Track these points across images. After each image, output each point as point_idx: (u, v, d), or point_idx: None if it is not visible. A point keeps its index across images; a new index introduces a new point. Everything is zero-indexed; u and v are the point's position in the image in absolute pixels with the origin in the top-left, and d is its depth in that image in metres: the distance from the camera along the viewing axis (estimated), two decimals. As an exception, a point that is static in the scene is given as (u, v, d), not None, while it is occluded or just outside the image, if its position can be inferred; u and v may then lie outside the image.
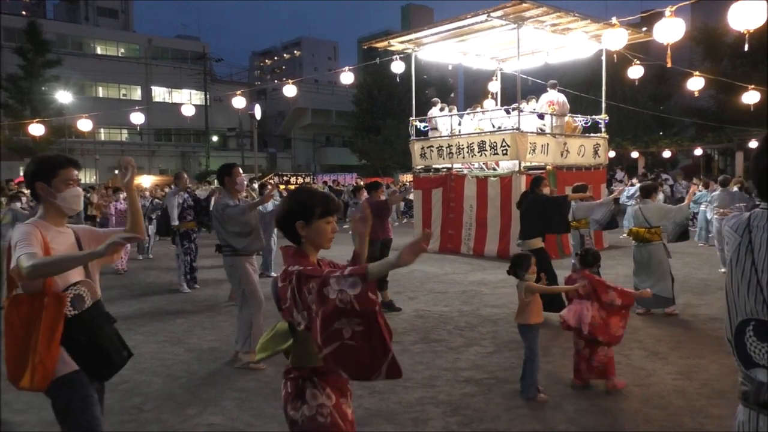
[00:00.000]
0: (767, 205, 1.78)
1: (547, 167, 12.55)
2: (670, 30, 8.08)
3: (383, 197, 8.40)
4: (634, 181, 17.49)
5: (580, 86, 21.51)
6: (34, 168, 2.66)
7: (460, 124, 14.39)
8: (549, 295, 6.81)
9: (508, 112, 13.65)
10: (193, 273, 9.45)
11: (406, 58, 14.39)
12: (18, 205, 9.73)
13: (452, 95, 44.29)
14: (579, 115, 13.97)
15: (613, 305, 4.48)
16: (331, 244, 2.33)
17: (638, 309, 7.01)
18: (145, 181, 32.84)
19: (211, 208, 9.61)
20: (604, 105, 13.81)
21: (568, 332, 6.38)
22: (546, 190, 7.38)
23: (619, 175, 24.43)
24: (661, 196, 15.82)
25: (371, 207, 8.13)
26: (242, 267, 5.53)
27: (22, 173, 34.90)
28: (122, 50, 48.31)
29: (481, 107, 14.89)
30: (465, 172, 13.57)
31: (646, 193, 7.17)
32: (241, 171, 5.75)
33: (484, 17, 11.58)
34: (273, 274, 10.21)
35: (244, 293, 5.53)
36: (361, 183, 19.06)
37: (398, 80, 16.21)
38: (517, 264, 4.59)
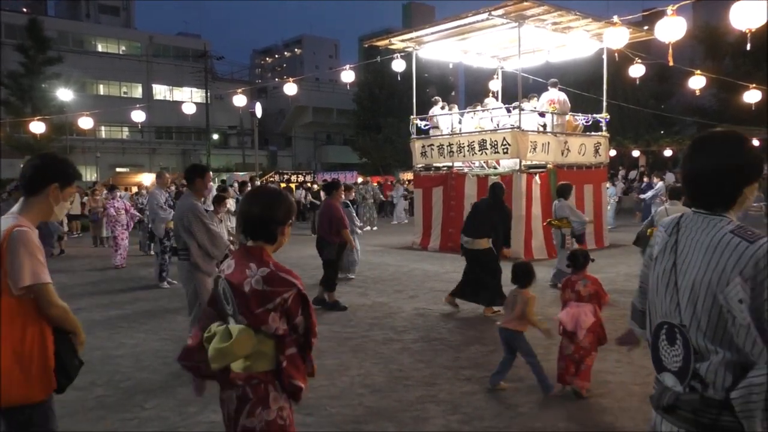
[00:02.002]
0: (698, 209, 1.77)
1: (548, 166, 12.55)
2: (672, 29, 8.09)
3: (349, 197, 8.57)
4: (655, 180, 17.32)
5: (581, 85, 21.48)
6: (61, 168, 2.57)
7: (460, 122, 14.38)
8: (491, 291, 6.95)
9: (508, 110, 13.65)
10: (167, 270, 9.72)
11: (407, 56, 14.38)
12: None
13: (453, 94, 44.27)
14: (580, 114, 13.97)
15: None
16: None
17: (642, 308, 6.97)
18: (146, 179, 32.83)
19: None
20: (605, 104, 13.80)
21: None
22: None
23: (633, 174, 24.20)
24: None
25: (323, 215, 8.18)
26: (200, 275, 5.34)
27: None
28: (123, 48, 48.30)
29: (482, 105, 14.87)
30: (465, 170, 13.56)
31: (676, 194, 7.00)
32: (211, 176, 5.73)
33: (485, 16, 11.57)
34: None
35: (199, 303, 5.29)
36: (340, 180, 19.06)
37: (399, 79, 16.17)
38: (527, 273, 4.61)
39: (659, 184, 16.31)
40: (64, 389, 2.52)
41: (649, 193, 15.93)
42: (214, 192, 18.71)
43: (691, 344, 1.66)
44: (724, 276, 1.60)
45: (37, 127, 18.21)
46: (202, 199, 5.83)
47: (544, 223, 8.79)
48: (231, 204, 11.82)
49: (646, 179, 20.24)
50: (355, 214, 10.49)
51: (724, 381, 1.60)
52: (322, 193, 11.32)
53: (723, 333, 1.61)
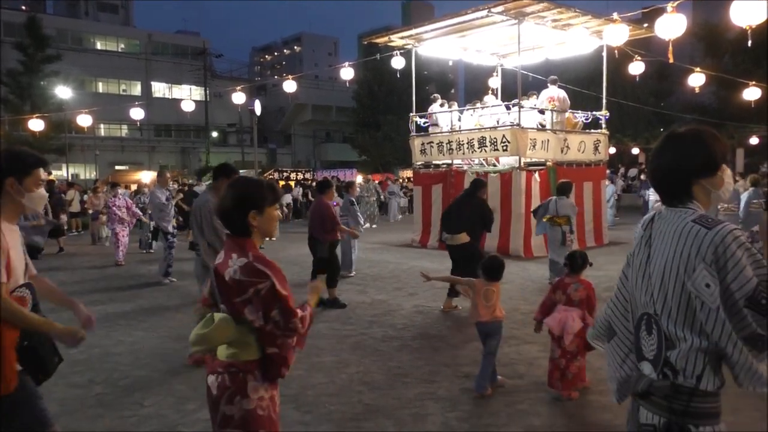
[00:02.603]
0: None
1: (548, 163, 12.54)
2: (672, 26, 8.07)
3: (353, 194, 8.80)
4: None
5: (581, 82, 21.50)
6: (9, 162, 2.49)
7: (460, 119, 14.36)
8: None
9: (508, 108, 13.63)
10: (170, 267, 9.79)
11: (407, 53, 14.36)
12: None
13: (453, 91, 44.22)
14: (579, 111, 13.96)
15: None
16: (277, 231, 2.37)
17: None
18: (145, 176, 32.81)
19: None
20: (604, 101, 13.78)
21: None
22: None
23: (632, 172, 24.19)
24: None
25: (314, 213, 8.13)
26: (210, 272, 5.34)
27: None
28: (122, 45, 48.27)
29: (482, 103, 14.87)
30: (465, 168, 13.55)
31: None
32: None
33: (484, 13, 11.54)
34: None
35: None
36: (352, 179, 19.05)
37: (398, 76, 16.19)
38: (497, 268, 4.55)
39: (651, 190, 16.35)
40: (40, 383, 2.52)
41: (651, 192, 15.96)
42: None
43: (663, 332, 1.73)
44: (690, 263, 1.67)
45: (36, 124, 18.20)
46: None
47: (544, 220, 8.75)
48: None
49: (643, 177, 20.27)
50: (359, 213, 10.48)
51: (694, 368, 1.66)
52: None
53: (693, 320, 1.67)
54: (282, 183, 26.68)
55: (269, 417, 2.28)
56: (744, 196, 10.06)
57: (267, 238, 2.43)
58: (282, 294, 2.18)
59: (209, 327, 2.19)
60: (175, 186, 19.61)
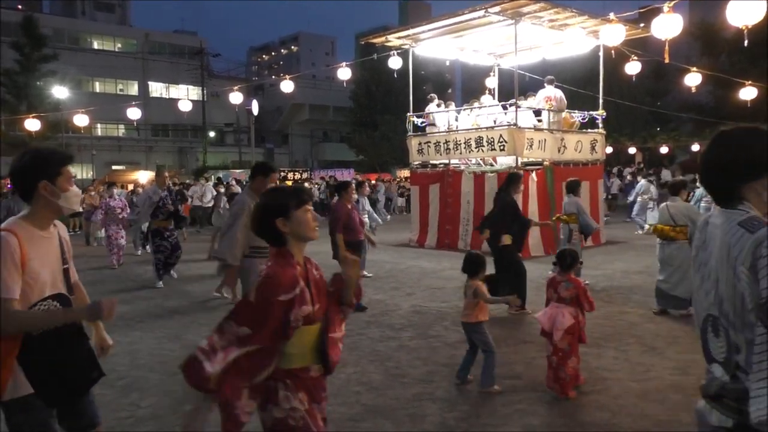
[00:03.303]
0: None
1: (545, 163, 12.55)
2: (668, 26, 8.08)
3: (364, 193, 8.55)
4: (638, 178, 17.49)
5: (578, 82, 21.48)
6: (37, 164, 2.37)
7: (457, 119, 14.37)
8: (514, 289, 6.89)
9: (505, 107, 13.64)
10: (167, 268, 9.61)
11: (404, 53, 14.35)
12: None
13: (450, 91, 44.28)
14: (576, 111, 13.97)
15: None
16: (317, 233, 2.32)
17: (654, 308, 6.91)
18: (142, 176, 32.77)
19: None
20: (601, 101, 13.79)
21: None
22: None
23: (627, 171, 24.11)
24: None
25: (330, 215, 8.01)
26: (258, 271, 5.24)
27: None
28: (119, 45, 48.18)
29: (479, 102, 14.88)
30: (462, 167, 13.55)
31: (675, 190, 7.00)
32: (277, 178, 5.41)
33: (481, 13, 11.54)
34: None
35: None
36: (359, 178, 18.95)
37: (396, 76, 16.18)
38: (474, 263, 4.62)
39: (641, 183, 16.42)
40: (69, 403, 2.42)
41: (633, 193, 16.01)
42: (211, 188, 18.55)
43: (729, 335, 1.70)
44: (737, 268, 1.63)
45: (33, 124, 18.15)
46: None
47: (553, 219, 8.73)
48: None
49: (630, 178, 20.28)
50: (375, 213, 10.47)
51: None
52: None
53: (749, 324, 1.63)
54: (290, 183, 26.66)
55: (306, 429, 2.19)
56: None
57: (306, 242, 2.33)
58: (239, 310, 2.13)
59: None
60: (175, 187, 19.50)
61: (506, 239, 7.03)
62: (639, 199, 15.50)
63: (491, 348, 4.54)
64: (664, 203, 7.15)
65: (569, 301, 4.40)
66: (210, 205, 17.95)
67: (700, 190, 11.19)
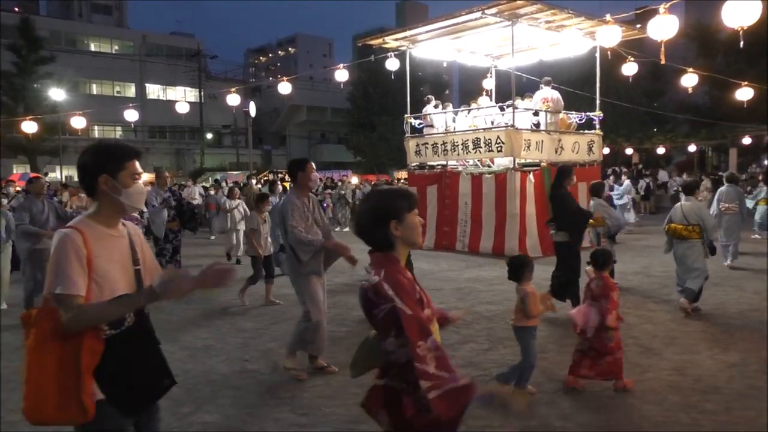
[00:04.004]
0: None
1: (542, 164, 12.57)
2: (664, 27, 8.11)
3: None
4: (623, 178, 17.60)
5: (575, 83, 21.54)
6: (98, 158, 2.26)
7: (454, 120, 14.39)
8: (564, 284, 6.83)
9: (502, 109, 13.66)
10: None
11: (401, 55, 14.37)
12: (4, 201, 9.53)
13: (447, 92, 44.34)
14: (573, 112, 14.00)
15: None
16: (421, 239, 2.29)
17: (686, 307, 6.89)
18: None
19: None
20: (598, 102, 13.83)
21: (569, 328, 6.41)
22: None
23: (663, 175, 23.91)
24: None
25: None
26: (306, 277, 5.03)
27: (15, 170, 34.76)
28: (116, 47, 48.11)
29: (476, 104, 14.90)
30: (460, 169, 13.57)
31: (689, 190, 7.13)
32: (314, 167, 5.27)
33: (478, 14, 11.56)
34: None
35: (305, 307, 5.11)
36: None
37: (393, 77, 16.20)
38: (519, 267, 4.54)
39: (625, 183, 16.47)
40: (139, 411, 2.31)
41: (617, 193, 16.03)
42: (199, 189, 18.41)
43: None
44: None
45: (30, 126, 18.13)
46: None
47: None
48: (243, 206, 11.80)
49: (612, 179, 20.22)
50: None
51: None
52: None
53: None
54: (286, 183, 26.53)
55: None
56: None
57: (412, 248, 2.28)
58: (404, 318, 2.01)
59: (364, 351, 2.22)
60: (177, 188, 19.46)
61: (562, 236, 6.96)
62: (626, 199, 15.64)
63: (531, 356, 4.46)
64: (678, 203, 7.23)
65: (599, 299, 4.52)
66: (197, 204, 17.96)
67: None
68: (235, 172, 33.19)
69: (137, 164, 2.34)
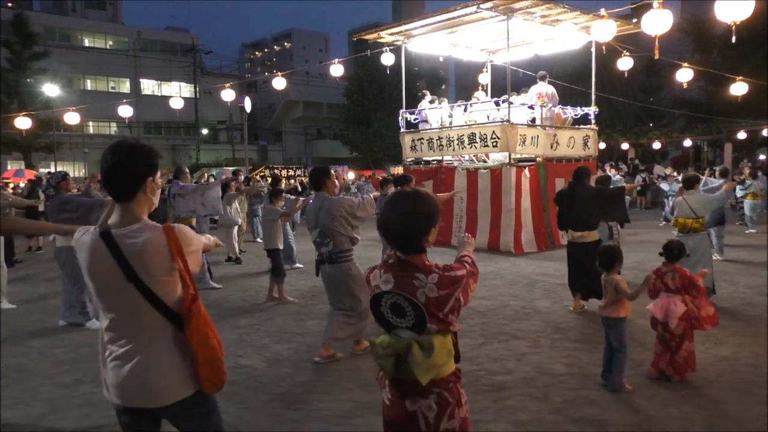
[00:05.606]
0: None
1: (537, 159, 12.58)
2: (658, 21, 8.11)
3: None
4: (612, 172, 17.58)
5: (570, 78, 21.53)
6: (147, 159, 2.22)
7: (450, 116, 14.38)
8: (595, 282, 6.82)
9: (497, 104, 13.66)
10: None
11: (397, 50, 14.34)
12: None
13: (443, 87, 44.23)
14: (569, 107, 14.00)
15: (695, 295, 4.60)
16: None
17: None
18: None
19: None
20: (593, 97, 13.83)
21: (563, 323, 6.43)
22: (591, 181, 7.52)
23: (659, 169, 23.85)
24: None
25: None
26: (359, 272, 5.23)
27: (9, 167, 34.64)
28: (111, 42, 47.90)
29: (476, 98, 14.89)
30: (455, 164, 13.57)
31: (689, 184, 7.20)
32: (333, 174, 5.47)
33: (473, 9, 11.54)
34: (298, 265, 10.35)
35: (352, 302, 5.25)
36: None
37: (389, 72, 16.16)
38: (612, 256, 4.57)
39: (616, 178, 16.49)
40: None
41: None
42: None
43: None
44: None
45: (24, 122, 18.06)
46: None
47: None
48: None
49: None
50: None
51: None
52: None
53: None
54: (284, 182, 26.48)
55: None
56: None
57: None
58: (471, 282, 2.33)
59: (432, 353, 2.12)
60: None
61: (593, 235, 7.01)
62: None
63: (624, 347, 4.48)
64: (681, 197, 7.25)
65: (677, 291, 4.58)
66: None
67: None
68: (230, 168, 33.11)
69: None
